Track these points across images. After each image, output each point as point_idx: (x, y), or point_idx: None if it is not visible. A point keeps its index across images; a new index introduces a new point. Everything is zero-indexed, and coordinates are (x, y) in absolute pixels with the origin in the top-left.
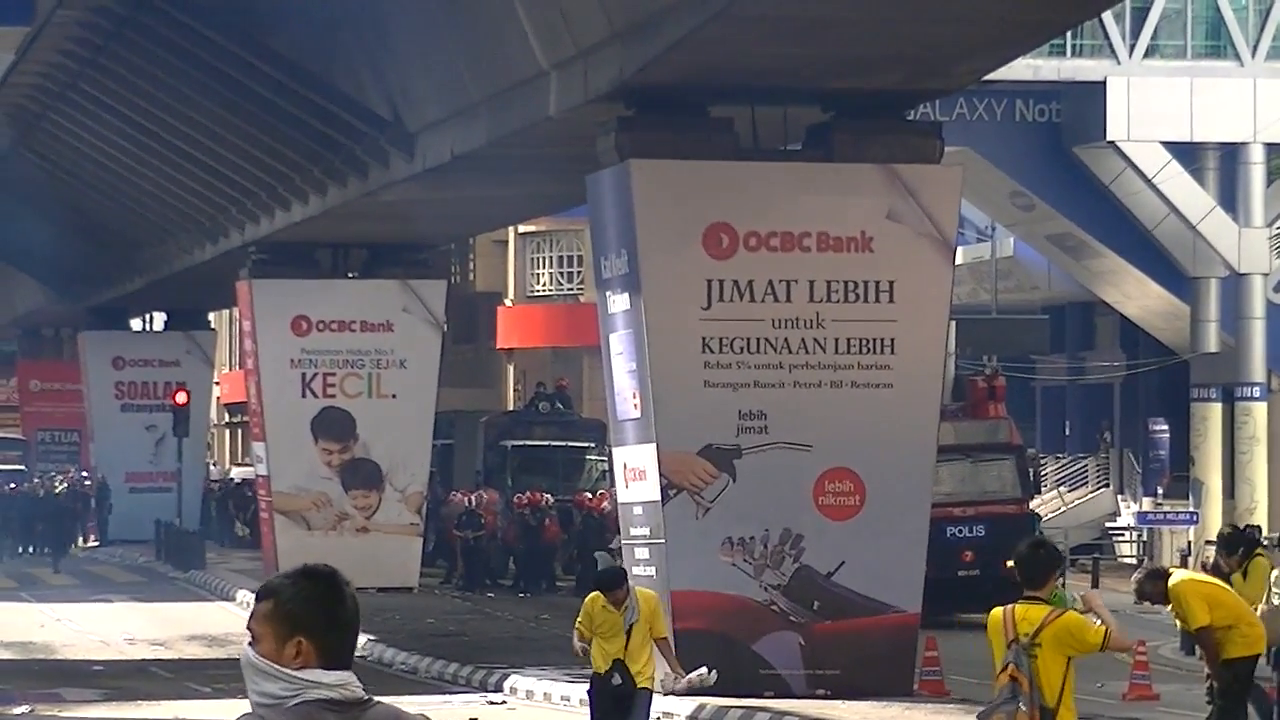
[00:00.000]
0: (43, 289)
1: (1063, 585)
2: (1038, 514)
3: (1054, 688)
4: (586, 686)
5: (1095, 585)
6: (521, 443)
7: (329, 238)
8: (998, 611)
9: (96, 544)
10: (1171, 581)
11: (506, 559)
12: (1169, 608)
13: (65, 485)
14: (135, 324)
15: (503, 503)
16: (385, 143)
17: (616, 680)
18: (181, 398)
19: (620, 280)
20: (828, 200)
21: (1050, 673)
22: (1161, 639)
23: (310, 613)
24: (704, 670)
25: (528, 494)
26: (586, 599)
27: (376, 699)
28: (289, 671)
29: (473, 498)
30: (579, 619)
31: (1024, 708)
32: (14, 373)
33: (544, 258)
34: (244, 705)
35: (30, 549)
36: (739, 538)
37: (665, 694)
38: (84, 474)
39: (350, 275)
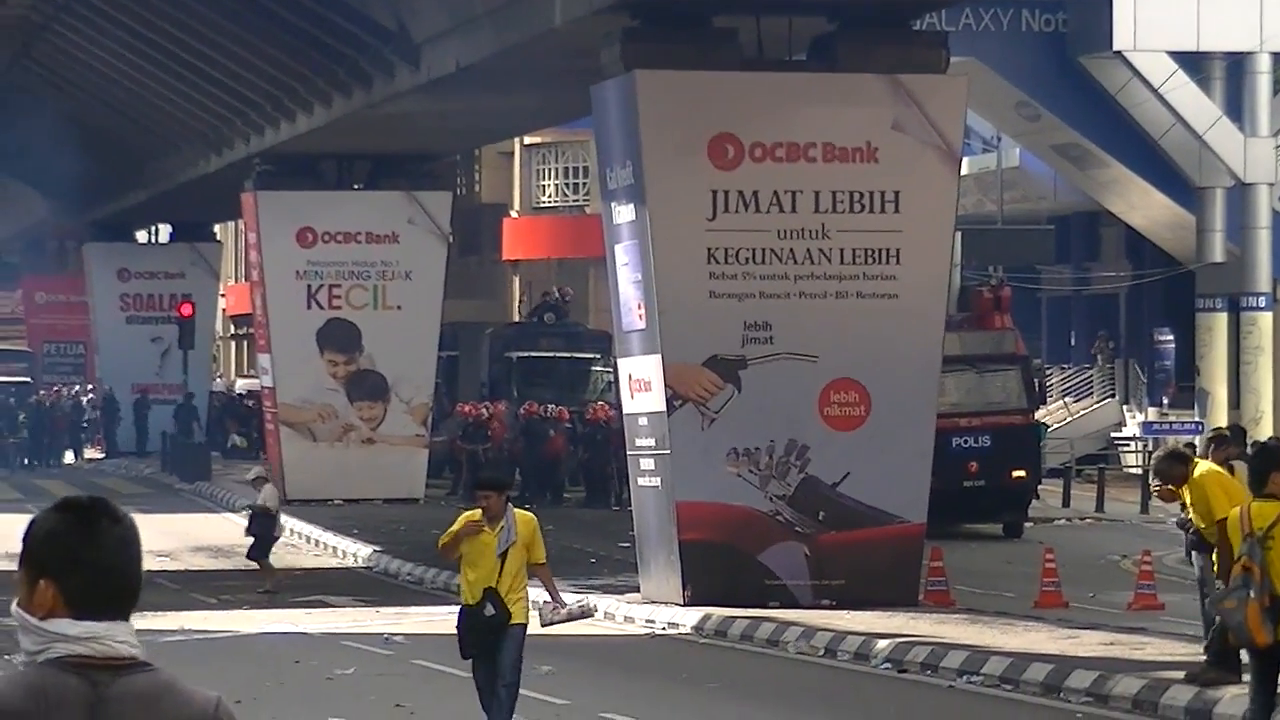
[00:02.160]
0: (47, 201)
1: None
2: (1044, 424)
3: None
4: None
5: (1101, 496)
6: (526, 354)
7: (334, 149)
8: (1236, 509)
9: (103, 455)
10: (1198, 470)
11: (513, 471)
12: (1183, 497)
13: (70, 398)
14: (140, 236)
15: (511, 414)
16: (390, 54)
17: (489, 611)
18: (187, 310)
19: (625, 191)
20: (833, 111)
21: None
22: (1166, 549)
23: (53, 551)
24: (585, 600)
25: (534, 405)
26: (464, 514)
27: (149, 665)
28: (33, 621)
29: (482, 409)
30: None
31: (1254, 595)
32: (18, 285)
33: (549, 169)
34: (249, 615)
35: (36, 460)
36: (744, 449)
37: (543, 626)
38: (89, 386)
39: (355, 187)
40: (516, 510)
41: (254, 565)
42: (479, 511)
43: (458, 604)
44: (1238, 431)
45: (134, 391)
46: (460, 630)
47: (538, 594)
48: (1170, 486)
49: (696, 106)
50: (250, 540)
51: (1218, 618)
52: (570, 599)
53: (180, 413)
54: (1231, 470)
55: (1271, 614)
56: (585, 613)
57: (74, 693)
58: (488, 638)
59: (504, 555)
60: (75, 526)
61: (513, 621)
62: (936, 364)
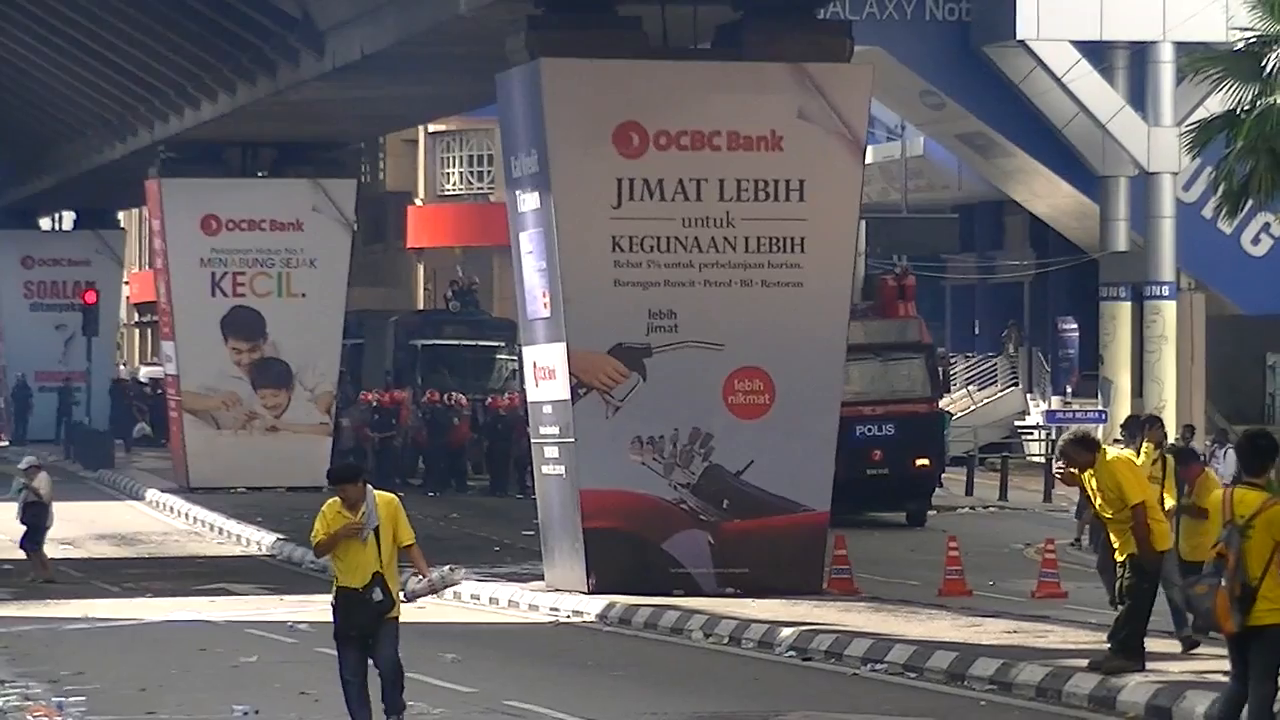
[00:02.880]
0: None
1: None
2: (948, 413)
3: (1258, 567)
4: (331, 602)
5: (1004, 484)
6: (431, 342)
7: (239, 136)
8: (1219, 493)
9: (6, 443)
10: (1110, 454)
11: (416, 458)
12: (1086, 482)
13: None
14: (45, 223)
15: (414, 402)
16: (294, 41)
17: (378, 596)
18: (91, 297)
19: (530, 179)
20: (738, 99)
21: (1257, 554)
22: (1069, 536)
23: None
24: (446, 568)
25: (435, 394)
26: (324, 505)
27: None
28: None
29: (386, 397)
30: (316, 526)
31: (1224, 583)
32: None
33: (454, 157)
34: (153, 603)
35: None
36: (649, 437)
37: (408, 600)
38: None
39: (260, 174)
40: (377, 492)
41: (50, 553)
42: (338, 501)
43: None
44: (1155, 419)
45: (36, 380)
46: (336, 615)
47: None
48: (1073, 470)
49: (602, 94)
50: (22, 529)
51: (1119, 605)
52: (435, 571)
53: (63, 398)
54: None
55: (1242, 602)
56: (448, 582)
57: None
58: (369, 623)
59: (377, 540)
60: None
61: (391, 613)
62: (841, 352)
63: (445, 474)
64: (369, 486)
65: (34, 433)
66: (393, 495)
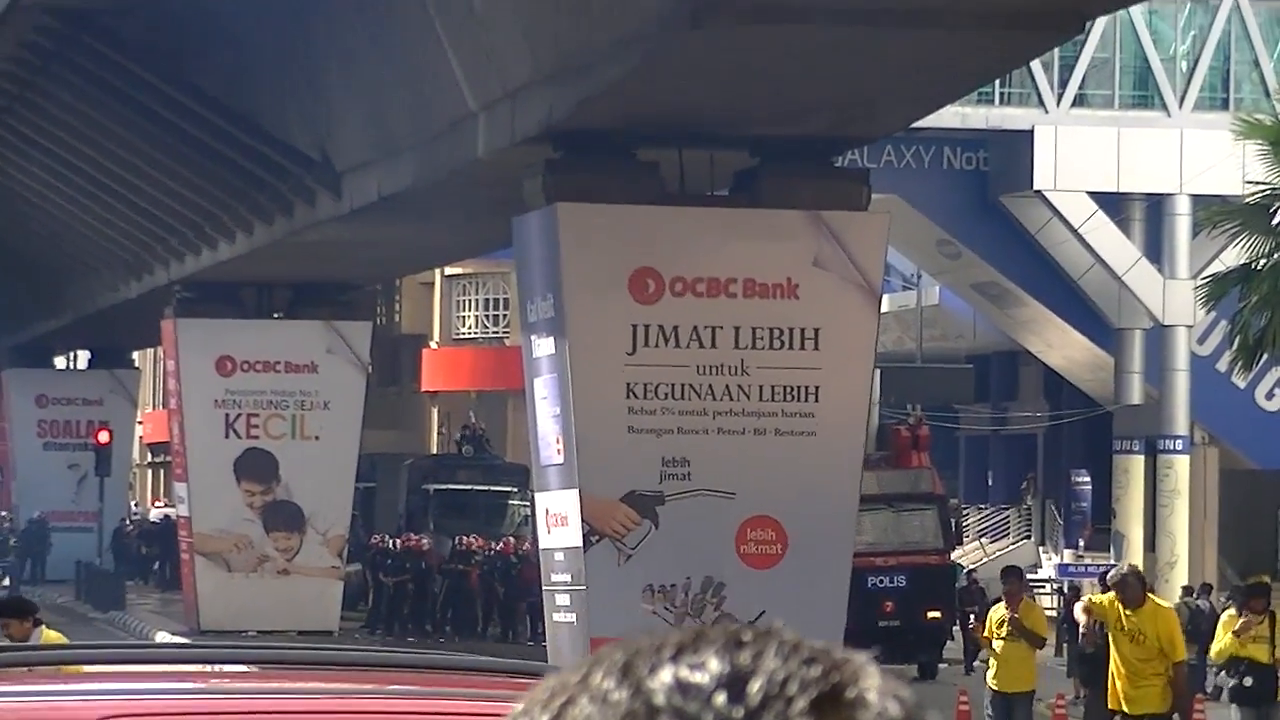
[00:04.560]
0: None
1: None
2: (960, 565)
3: None
4: None
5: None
6: (444, 486)
7: (254, 277)
8: None
9: (10, 583)
10: (1163, 602)
11: (434, 603)
12: (1121, 614)
13: None
14: (59, 361)
15: (438, 547)
16: (312, 182)
17: None
18: (104, 437)
19: (545, 324)
20: (754, 246)
21: None
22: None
23: None
24: None
25: (462, 539)
26: None
27: None
28: None
29: (394, 542)
30: None
31: None
32: None
33: (470, 300)
34: None
35: None
36: (661, 585)
37: None
38: (3, 513)
39: (275, 315)
40: (47, 630)
41: None
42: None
43: None
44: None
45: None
46: None
47: None
48: (1120, 601)
49: (618, 240)
50: None
51: None
52: None
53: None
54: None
55: None
56: None
57: None
58: None
59: None
60: None
61: None
62: (854, 502)
63: (460, 619)
64: (41, 626)
65: (52, 573)
66: (61, 635)
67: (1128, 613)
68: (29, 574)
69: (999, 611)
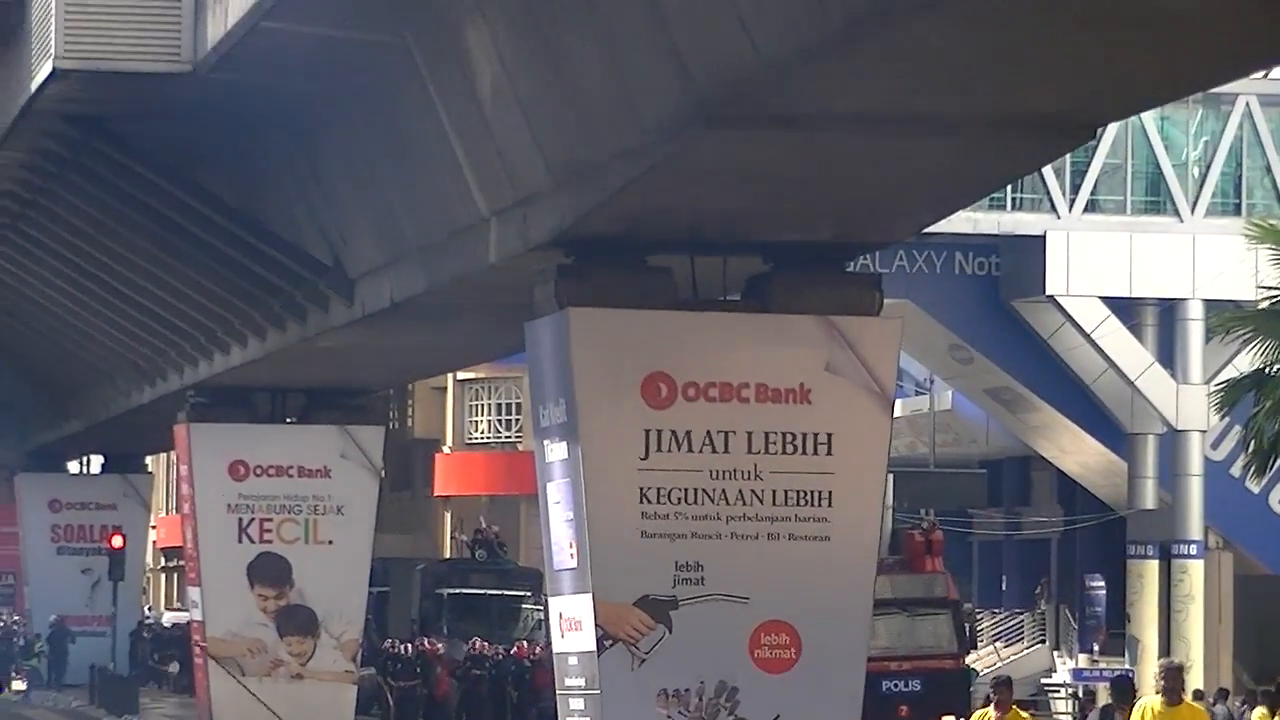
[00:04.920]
0: None
1: None
2: (974, 669)
3: None
4: None
5: None
6: (458, 591)
7: (267, 382)
8: None
9: (25, 687)
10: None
11: (444, 709)
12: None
13: None
14: (72, 466)
15: (452, 652)
16: (325, 287)
17: None
18: (118, 541)
19: (558, 429)
20: (766, 351)
21: None
22: None
23: None
24: None
25: (478, 644)
26: None
27: None
28: None
29: (407, 646)
30: None
31: None
32: None
33: (482, 405)
34: None
35: None
36: (675, 689)
37: None
38: (16, 617)
39: (288, 420)
40: None
41: None
42: None
43: None
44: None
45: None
46: None
47: None
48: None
49: (630, 345)
50: None
51: None
52: None
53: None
54: None
55: None
56: None
57: None
58: None
59: None
60: None
61: None
62: (868, 607)
63: None
64: None
65: (71, 677)
66: None
67: (1165, 709)
68: (48, 679)
69: (990, 715)
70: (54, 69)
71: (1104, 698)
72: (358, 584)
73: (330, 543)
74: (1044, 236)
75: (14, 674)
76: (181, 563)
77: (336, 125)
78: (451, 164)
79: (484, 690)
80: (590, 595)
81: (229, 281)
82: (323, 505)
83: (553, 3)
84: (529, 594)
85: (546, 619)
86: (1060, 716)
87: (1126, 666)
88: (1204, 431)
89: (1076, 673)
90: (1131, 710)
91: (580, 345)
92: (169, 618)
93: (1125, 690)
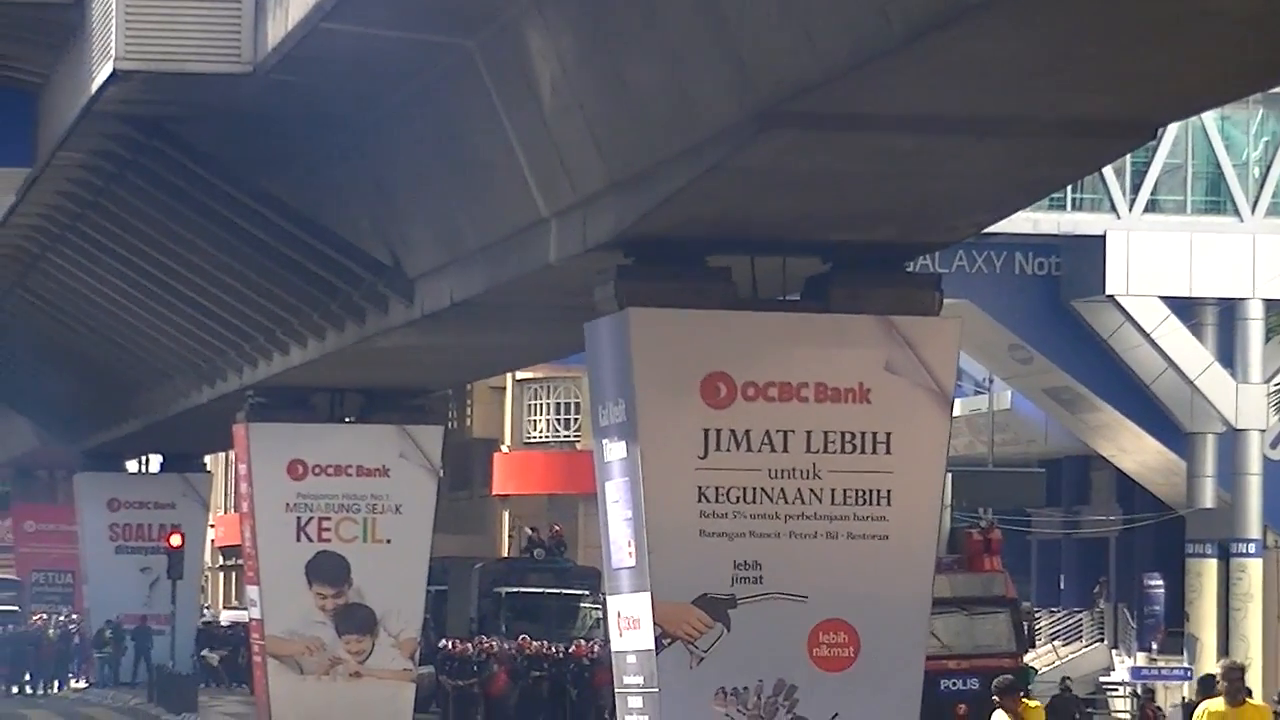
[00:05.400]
0: (38, 430)
1: None
2: (1032, 668)
3: None
4: None
5: None
6: (516, 590)
7: (327, 382)
8: None
9: (86, 685)
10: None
11: (503, 707)
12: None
13: (58, 626)
14: (131, 466)
15: (510, 652)
16: (384, 288)
17: None
18: (176, 540)
19: (617, 428)
20: (826, 351)
21: None
22: None
23: None
24: None
25: (527, 642)
26: None
27: None
28: None
29: (466, 645)
30: None
31: None
32: (9, 514)
33: (541, 404)
34: None
35: (24, 689)
36: (733, 688)
37: None
38: (74, 616)
39: (347, 420)
40: None
41: None
42: None
43: None
44: None
45: (126, 621)
46: None
47: None
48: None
49: (689, 345)
50: None
51: None
52: None
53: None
54: None
55: None
56: None
57: None
58: None
59: None
60: None
61: None
62: (926, 606)
63: None
64: None
65: (123, 675)
66: None
67: (1228, 709)
68: (114, 677)
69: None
70: (114, 70)
71: (1163, 696)
72: (416, 583)
73: (388, 542)
74: (1104, 236)
75: (73, 674)
76: (240, 561)
77: (396, 126)
78: (511, 164)
79: (543, 689)
80: (649, 594)
81: (288, 282)
82: (381, 505)
83: (612, 6)
84: (587, 593)
85: (605, 618)
86: (1119, 715)
87: (1185, 665)
88: (1263, 430)
89: (1135, 671)
90: None
91: (640, 345)
92: (227, 616)
93: (1210, 688)
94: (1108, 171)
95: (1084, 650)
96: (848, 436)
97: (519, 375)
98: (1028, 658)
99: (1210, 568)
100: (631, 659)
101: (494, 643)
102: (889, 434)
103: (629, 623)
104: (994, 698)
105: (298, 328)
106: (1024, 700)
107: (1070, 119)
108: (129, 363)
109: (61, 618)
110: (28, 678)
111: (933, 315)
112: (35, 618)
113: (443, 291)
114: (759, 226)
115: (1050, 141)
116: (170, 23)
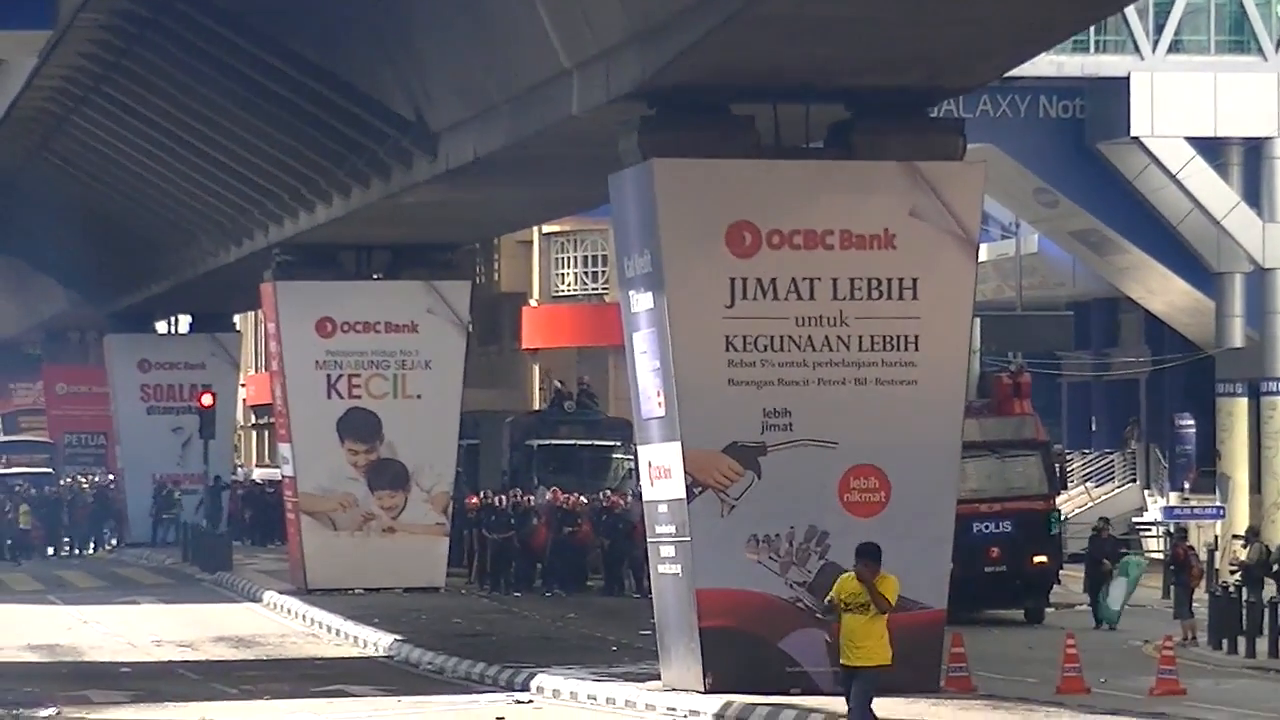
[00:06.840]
0: (67, 293)
1: None
2: (1058, 510)
3: None
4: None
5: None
6: (547, 442)
7: (353, 239)
8: None
9: (116, 544)
10: None
11: (537, 559)
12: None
13: (93, 487)
14: (160, 327)
15: (540, 503)
16: (408, 144)
17: None
18: (207, 400)
19: (644, 279)
20: (850, 198)
21: None
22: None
23: None
24: None
25: (560, 493)
26: None
27: None
28: None
29: (500, 498)
30: None
31: None
32: (40, 376)
33: (568, 258)
34: (271, 705)
35: (60, 550)
36: (764, 535)
37: None
38: (110, 476)
39: (375, 276)
40: None
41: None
42: None
43: (482, 692)
44: None
45: (160, 481)
46: None
47: None
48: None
49: (714, 194)
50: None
51: None
52: None
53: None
54: None
55: None
56: None
57: None
58: None
59: None
60: None
61: None
62: (956, 450)
63: (567, 575)
64: None
65: (140, 534)
66: None
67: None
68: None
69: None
70: None
71: (1196, 535)
72: (447, 438)
73: (419, 397)
74: (1128, 78)
75: (108, 534)
76: (272, 420)
77: None
78: (533, 16)
79: (577, 541)
80: (679, 443)
81: (312, 139)
82: (410, 360)
83: None
84: (619, 444)
85: (636, 468)
86: (1152, 554)
87: (1218, 504)
88: None
89: (1168, 510)
90: None
91: (664, 196)
92: (259, 474)
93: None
94: (1130, 12)
95: (1116, 491)
96: (874, 283)
97: (545, 229)
98: (1060, 500)
99: (1241, 406)
100: (663, 508)
101: (532, 496)
102: (915, 280)
103: (660, 472)
104: (856, 562)
105: (323, 185)
106: (882, 572)
107: None
108: (155, 223)
109: (96, 478)
110: (66, 540)
111: (956, 160)
112: (73, 479)
113: (466, 146)
114: (781, 75)
115: None
116: None
